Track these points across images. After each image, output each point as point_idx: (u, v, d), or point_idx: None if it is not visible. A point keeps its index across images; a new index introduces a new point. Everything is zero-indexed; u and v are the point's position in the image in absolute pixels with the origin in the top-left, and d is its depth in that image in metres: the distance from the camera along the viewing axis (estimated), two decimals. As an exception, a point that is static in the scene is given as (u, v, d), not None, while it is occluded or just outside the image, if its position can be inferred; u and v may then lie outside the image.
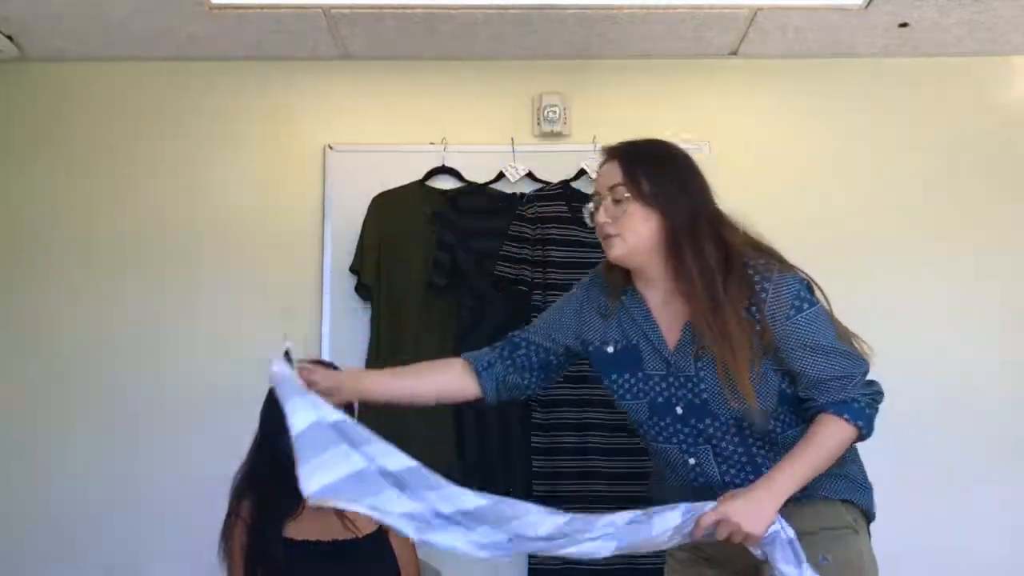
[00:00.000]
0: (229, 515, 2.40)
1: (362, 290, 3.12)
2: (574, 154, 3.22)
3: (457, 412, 2.99)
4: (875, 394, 1.84)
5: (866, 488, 1.93)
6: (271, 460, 2.40)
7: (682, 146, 1.98)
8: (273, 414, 2.44)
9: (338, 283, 3.15)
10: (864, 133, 3.30)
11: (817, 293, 1.88)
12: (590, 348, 2.01)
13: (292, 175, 3.24)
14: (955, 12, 3.01)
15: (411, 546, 2.58)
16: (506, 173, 3.19)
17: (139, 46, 3.18)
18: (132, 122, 3.26)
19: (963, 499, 3.09)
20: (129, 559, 3.02)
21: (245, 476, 2.43)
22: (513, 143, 3.22)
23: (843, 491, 1.87)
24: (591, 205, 1.92)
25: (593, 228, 1.93)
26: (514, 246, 3.07)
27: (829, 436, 1.78)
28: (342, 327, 3.12)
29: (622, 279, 1.96)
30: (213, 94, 3.29)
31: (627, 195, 1.84)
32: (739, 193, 3.19)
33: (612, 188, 1.87)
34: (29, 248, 3.19)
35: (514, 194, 3.18)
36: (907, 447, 3.09)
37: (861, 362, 1.84)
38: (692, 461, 1.91)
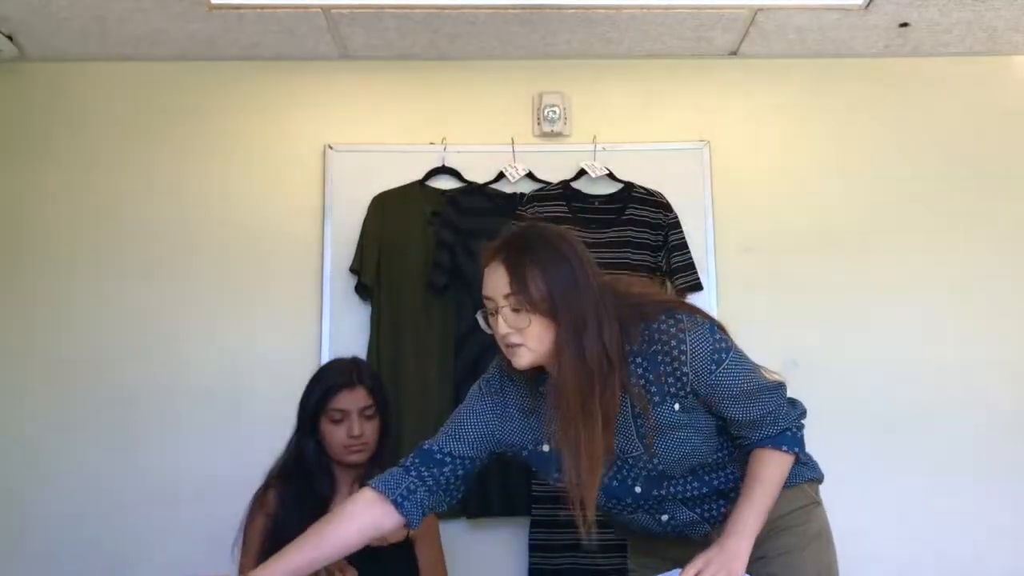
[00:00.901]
0: (253, 503, 2.39)
1: (362, 290, 3.12)
2: (574, 154, 3.22)
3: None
4: (799, 416, 1.91)
5: (813, 462, 2.02)
6: (301, 458, 2.41)
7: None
8: (305, 413, 2.44)
9: (338, 283, 3.14)
10: (864, 133, 3.30)
11: (728, 334, 1.86)
12: (524, 453, 1.94)
13: (292, 175, 3.24)
14: (955, 12, 3.01)
15: (440, 558, 2.56)
16: (506, 173, 3.19)
17: (139, 46, 3.18)
18: (132, 122, 3.26)
19: (964, 500, 3.09)
20: (128, 559, 3.02)
21: (277, 468, 2.43)
22: (513, 143, 3.22)
23: (801, 475, 1.96)
24: (484, 311, 1.83)
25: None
26: (514, 246, 3.07)
27: (773, 470, 1.85)
28: (342, 327, 3.12)
29: (531, 370, 1.84)
30: (213, 94, 3.29)
31: (525, 305, 1.76)
32: (738, 193, 3.26)
33: (506, 297, 1.78)
34: (29, 248, 3.19)
35: (514, 194, 3.18)
36: (905, 448, 3.10)
37: (780, 389, 1.89)
38: (665, 517, 1.93)
